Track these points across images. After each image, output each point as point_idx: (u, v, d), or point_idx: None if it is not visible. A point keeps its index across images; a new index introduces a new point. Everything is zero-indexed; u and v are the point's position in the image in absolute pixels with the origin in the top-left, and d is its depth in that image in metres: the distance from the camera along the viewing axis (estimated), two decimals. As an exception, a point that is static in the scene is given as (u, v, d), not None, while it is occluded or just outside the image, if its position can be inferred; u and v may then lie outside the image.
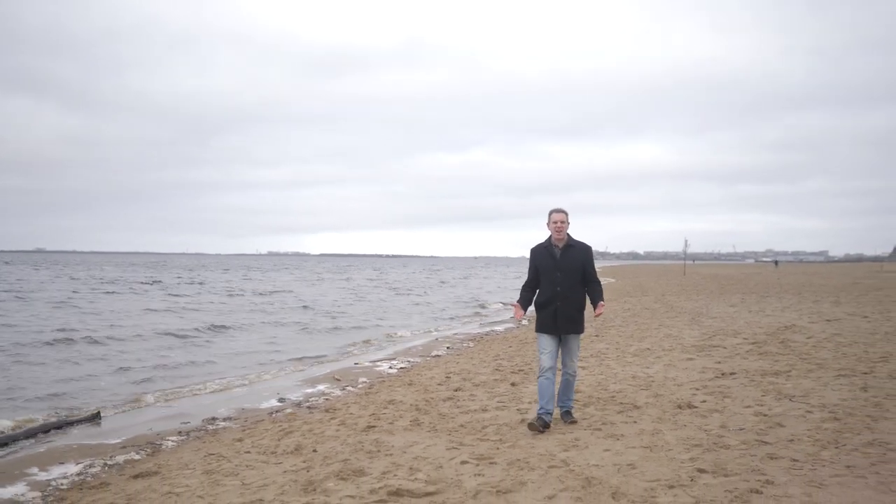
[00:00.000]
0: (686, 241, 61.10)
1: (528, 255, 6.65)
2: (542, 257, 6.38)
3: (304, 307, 28.21)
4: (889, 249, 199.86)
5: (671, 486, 4.65)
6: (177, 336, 17.52)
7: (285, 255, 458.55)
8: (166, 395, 10.30)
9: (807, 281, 39.49)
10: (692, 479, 4.77)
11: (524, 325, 17.43)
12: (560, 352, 6.40)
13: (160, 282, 48.52)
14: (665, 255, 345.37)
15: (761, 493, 4.47)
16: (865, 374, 8.39)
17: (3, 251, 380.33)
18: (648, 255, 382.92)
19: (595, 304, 6.38)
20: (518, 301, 6.52)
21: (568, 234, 6.37)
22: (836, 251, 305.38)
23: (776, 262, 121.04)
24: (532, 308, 6.60)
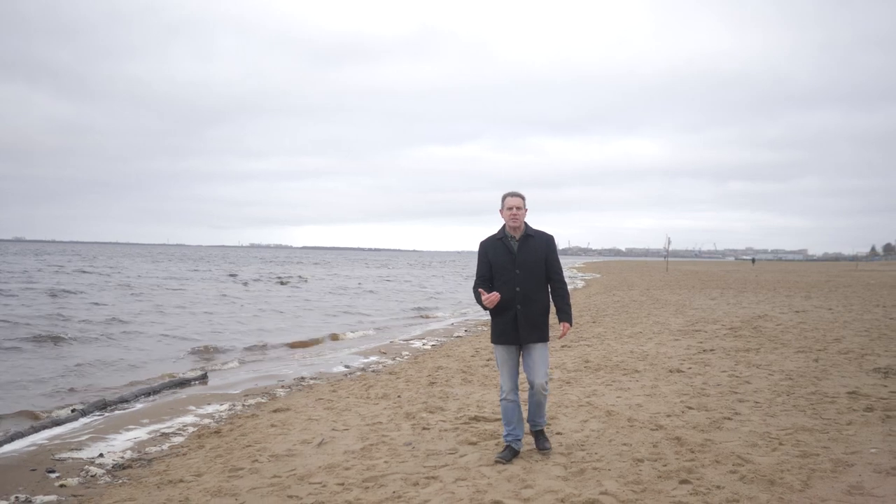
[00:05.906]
0: (668, 238, 63.47)
1: None
2: (497, 251, 5.30)
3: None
4: (867, 249, 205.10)
5: (668, 415, 6.61)
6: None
7: (267, 247, 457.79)
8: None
9: (783, 278, 41.86)
10: (682, 412, 6.74)
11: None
12: (522, 365, 5.39)
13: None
14: (646, 252, 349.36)
15: (731, 419, 6.44)
16: (820, 350, 10.40)
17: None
18: (630, 252, 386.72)
19: (560, 318, 5.45)
20: (480, 290, 5.30)
21: (525, 223, 5.37)
22: (816, 250, 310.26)
23: (753, 260, 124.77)
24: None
